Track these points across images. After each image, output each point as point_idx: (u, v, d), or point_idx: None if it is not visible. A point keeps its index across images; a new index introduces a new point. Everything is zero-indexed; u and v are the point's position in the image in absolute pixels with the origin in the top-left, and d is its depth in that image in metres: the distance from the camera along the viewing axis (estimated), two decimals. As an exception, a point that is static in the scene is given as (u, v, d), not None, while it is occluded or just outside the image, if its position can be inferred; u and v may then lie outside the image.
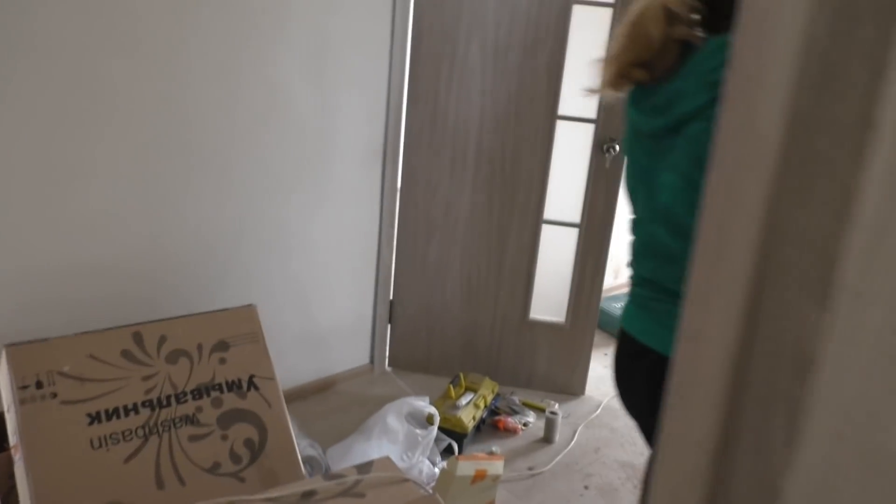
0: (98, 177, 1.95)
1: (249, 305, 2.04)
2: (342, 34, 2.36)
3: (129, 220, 2.04)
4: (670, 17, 1.02)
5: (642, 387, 1.23)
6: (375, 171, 2.64)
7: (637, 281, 1.24)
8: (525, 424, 2.66)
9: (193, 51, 2.03)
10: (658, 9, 1.03)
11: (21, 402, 1.67)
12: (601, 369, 3.15)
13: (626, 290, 3.88)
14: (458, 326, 2.90)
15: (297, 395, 2.62)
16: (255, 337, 2.00)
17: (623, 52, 1.09)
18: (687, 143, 1.03)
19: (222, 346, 1.94)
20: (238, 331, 1.98)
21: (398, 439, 2.19)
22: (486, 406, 2.59)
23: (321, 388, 2.72)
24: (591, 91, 1.15)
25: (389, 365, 2.96)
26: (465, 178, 2.72)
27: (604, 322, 3.42)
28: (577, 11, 2.51)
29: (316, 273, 2.58)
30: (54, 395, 1.70)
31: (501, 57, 2.57)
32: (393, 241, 2.80)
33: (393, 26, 2.50)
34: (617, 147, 2.60)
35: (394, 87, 2.57)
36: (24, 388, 1.68)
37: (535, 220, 2.75)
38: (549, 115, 2.62)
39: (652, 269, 1.18)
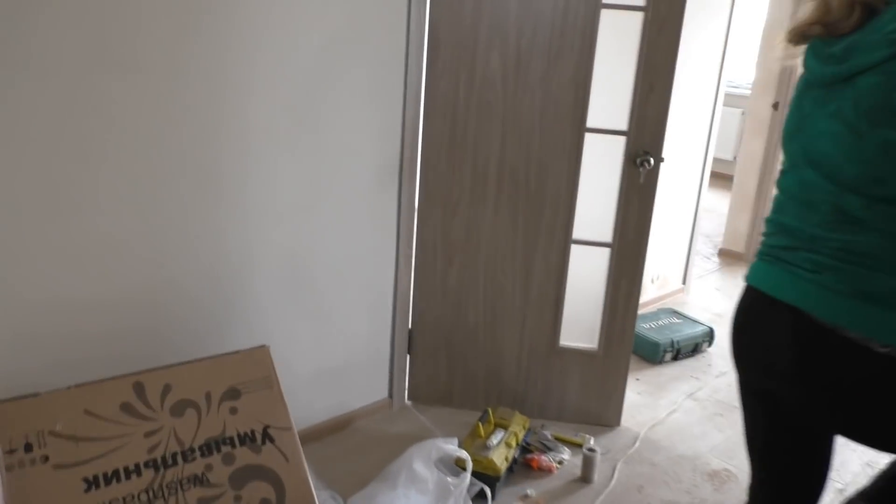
0: (97, 204, 1.76)
1: (262, 347, 1.84)
2: (354, 48, 2.18)
3: (128, 250, 1.84)
4: None
5: (785, 352, 1.19)
6: (391, 192, 2.45)
7: (774, 230, 1.25)
8: (560, 462, 2.45)
9: (197, 68, 1.84)
10: None
11: (8, 469, 1.47)
12: (635, 396, 2.95)
13: (653, 307, 3.71)
14: (482, 356, 2.70)
15: (312, 436, 2.42)
16: (268, 382, 1.81)
17: (807, 15, 1.19)
18: (856, 93, 1.08)
19: (233, 393, 1.74)
20: (250, 376, 1.79)
21: (428, 489, 1.99)
22: (517, 444, 2.39)
23: (338, 427, 2.52)
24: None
25: (409, 398, 2.76)
26: (487, 196, 2.53)
27: (636, 346, 3.22)
28: (606, 16, 2.33)
29: (329, 302, 2.38)
30: (46, 459, 1.50)
31: (524, 66, 2.39)
32: (411, 265, 2.61)
33: (408, 37, 2.32)
34: (651, 161, 2.41)
35: (409, 101, 2.39)
36: (12, 451, 1.48)
37: (563, 239, 2.56)
38: (576, 128, 2.44)
39: (794, 215, 1.20)
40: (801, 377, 1.18)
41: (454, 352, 2.70)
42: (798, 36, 1.21)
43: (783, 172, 1.25)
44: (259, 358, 1.82)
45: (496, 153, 2.48)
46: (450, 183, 2.52)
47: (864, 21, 1.11)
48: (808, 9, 1.19)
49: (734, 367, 1.36)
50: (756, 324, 1.26)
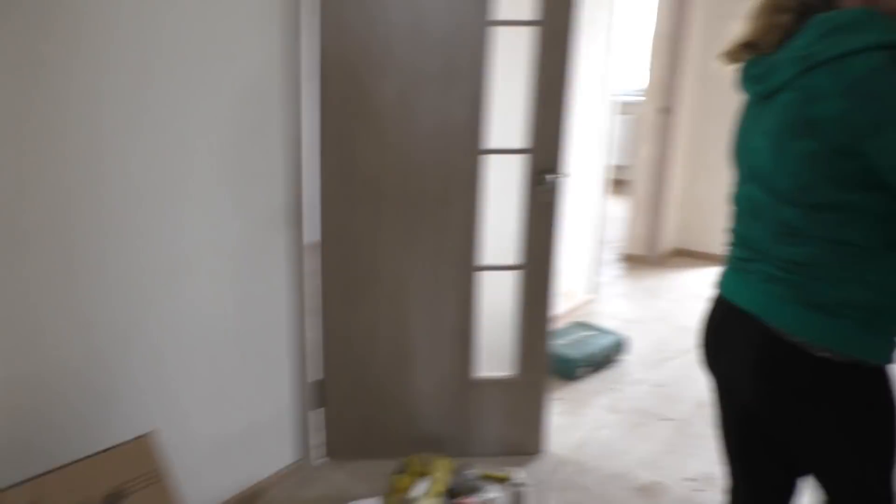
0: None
1: (144, 436, 1.60)
2: (235, 90, 1.96)
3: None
4: (776, 8, 1.20)
5: (745, 355, 1.27)
6: (281, 237, 2.24)
7: (735, 241, 1.34)
8: (490, 502, 2.32)
9: (49, 112, 1.57)
10: (765, 3, 1.23)
11: None
12: (556, 417, 2.87)
13: (564, 322, 3.66)
14: (396, 399, 2.53)
15: (220, 517, 2.17)
16: (156, 475, 1.57)
17: (737, 36, 1.27)
18: (777, 109, 1.15)
19: (115, 498, 1.49)
20: (134, 472, 1.54)
21: (353, 564, 1.80)
22: (444, 491, 2.23)
23: (248, 502, 2.27)
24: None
25: (328, 455, 2.54)
26: (387, 230, 2.37)
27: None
28: (499, 33, 2.24)
29: (221, 366, 2.14)
30: None
31: (416, 92, 2.25)
32: (305, 311, 2.39)
33: (286, 76, 2.12)
34: (554, 177, 2.33)
35: (298, 138, 2.19)
36: None
37: (467, 267, 2.44)
38: (473, 151, 2.33)
39: (747, 227, 1.28)
40: (758, 381, 1.26)
41: (366, 399, 2.52)
42: (729, 56, 1.29)
43: (734, 186, 1.33)
44: (143, 449, 1.58)
45: (393, 185, 2.33)
46: (348, 220, 2.35)
47: (783, 41, 1.19)
48: (739, 30, 1.27)
49: (704, 369, 1.44)
50: (721, 329, 1.36)
